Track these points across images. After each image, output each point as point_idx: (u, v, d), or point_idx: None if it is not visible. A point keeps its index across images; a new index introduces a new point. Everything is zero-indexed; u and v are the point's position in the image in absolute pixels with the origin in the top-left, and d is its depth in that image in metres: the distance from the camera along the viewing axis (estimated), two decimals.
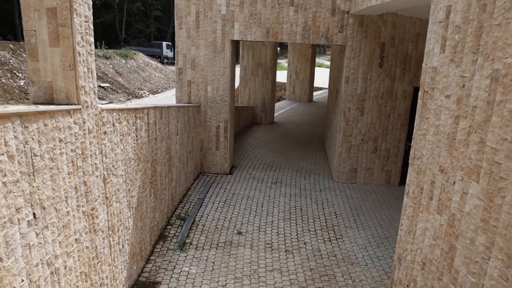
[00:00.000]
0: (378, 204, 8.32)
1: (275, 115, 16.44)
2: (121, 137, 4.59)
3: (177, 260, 5.93)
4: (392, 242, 6.77)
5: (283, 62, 38.86)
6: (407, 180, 4.49)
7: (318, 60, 43.47)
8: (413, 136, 4.37)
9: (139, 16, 45.81)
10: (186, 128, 8.18)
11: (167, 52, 36.44)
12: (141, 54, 29.52)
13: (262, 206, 7.92)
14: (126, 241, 4.91)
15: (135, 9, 44.44)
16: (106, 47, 25.54)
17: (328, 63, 45.56)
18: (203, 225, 7.03)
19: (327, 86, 26.80)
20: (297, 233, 6.91)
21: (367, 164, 9.30)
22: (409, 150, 9.25)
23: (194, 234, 6.73)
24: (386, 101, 8.94)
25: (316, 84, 26.03)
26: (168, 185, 6.98)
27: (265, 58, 14.61)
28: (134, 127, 5.04)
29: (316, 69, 29.46)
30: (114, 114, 4.34)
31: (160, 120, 6.27)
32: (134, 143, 5.04)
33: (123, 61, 25.24)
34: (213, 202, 7.98)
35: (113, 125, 4.33)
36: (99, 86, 19.05)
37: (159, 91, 24.58)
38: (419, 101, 4.18)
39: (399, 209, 8.12)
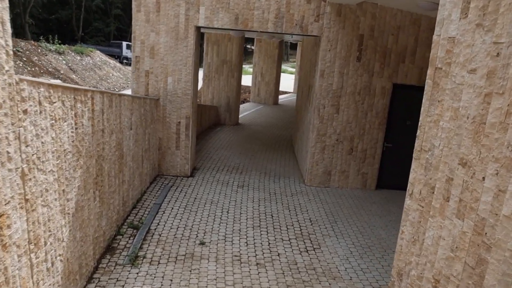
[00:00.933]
0: (356, 209, 7.58)
1: (239, 116, 15.57)
2: (53, 121, 3.54)
3: (127, 278, 4.87)
4: (376, 252, 6.01)
5: (246, 67, 38.07)
6: (410, 178, 3.71)
7: (282, 66, 43.13)
8: (419, 125, 3.61)
9: (98, 14, 43.81)
10: (142, 123, 7.14)
11: (127, 53, 34.80)
12: (98, 52, 27.87)
13: (228, 212, 6.98)
14: (58, 257, 3.83)
15: (94, 6, 42.45)
16: (60, 41, 23.81)
17: (292, 69, 45.32)
18: (160, 235, 6.01)
19: (291, 90, 26.26)
20: (269, 243, 6.01)
21: (342, 166, 8.57)
22: (386, 152, 8.62)
23: (149, 245, 5.70)
24: (363, 98, 8.26)
25: (281, 88, 25.42)
26: (118, 187, 5.91)
27: (230, 55, 13.73)
28: (73, 112, 3.99)
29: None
30: (42, 89, 3.30)
31: (109, 109, 5.22)
32: (72, 132, 3.99)
33: (78, 57, 23.61)
34: (172, 208, 6.96)
35: (40, 103, 3.28)
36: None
37: (117, 90, 23.12)
38: (428, 82, 3.41)
39: (378, 214, 7.41)
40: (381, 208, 7.77)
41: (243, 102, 20.22)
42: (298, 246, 6.01)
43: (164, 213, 6.75)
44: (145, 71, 8.13)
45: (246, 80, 26.08)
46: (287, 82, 31.29)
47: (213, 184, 8.30)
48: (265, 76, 19.81)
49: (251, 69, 25.69)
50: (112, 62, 28.27)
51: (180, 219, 6.55)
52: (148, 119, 7.61)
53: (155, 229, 6.18)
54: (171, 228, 6.22)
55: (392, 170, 8.82)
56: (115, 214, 5.86)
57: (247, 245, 5.90)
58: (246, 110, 17.79)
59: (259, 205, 7.38)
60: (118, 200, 5.94)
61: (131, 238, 5.85)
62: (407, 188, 3.64)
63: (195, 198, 7.46)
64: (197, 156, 10.18)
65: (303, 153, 9.41)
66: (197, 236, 6.04)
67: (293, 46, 53.43)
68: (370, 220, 7.16)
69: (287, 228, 6.55)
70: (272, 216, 6.98)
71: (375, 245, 6.23)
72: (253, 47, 20.69)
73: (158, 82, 8.17)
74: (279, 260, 5.56)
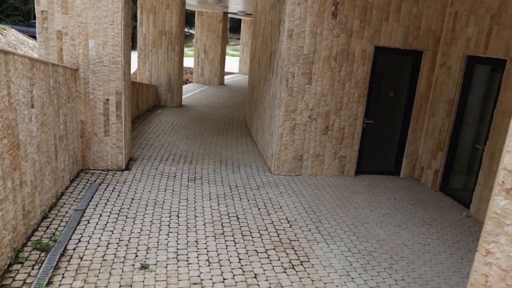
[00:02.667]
0: (339, 202, 6.08)
1: (182, 98, 13.59)
2: None
3: None
4: (381, 260, 4.52)
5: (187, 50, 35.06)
6: (506, 162, 2.13)
7: None
8: None
9: None
10: (52, 100, 5.09)
11: None
12: (14, 30, 24.24)
13: (178, 216, 5.18)
14: None
15: None
16: None
17: (234, 52, 43.42)
18: (81, 257, 4.10)
19: (237, 71, 24.51)
20: (240, 259, 4.32)
21: (316, 149, 7.02)
22: (366, 130, 7.19)
23: (63, 276, 3.79)
24: (340, 64, 6.72)
25: (225, 69, 23.54)
26: (12, 193, 3.92)
27: (170, 24, 11.67)
28: None
29: None
30: None
31: None
32: None
33: None
34: (100, 215, 5.03)
35: None
36: None
37: None
38: None
39: (368, 207, 5.96)
40: (368, 198, 6.33)
41: (185, 83, 18.16)
42: (279, 260, 4.37)
43: (88, 223, 4.82)
44: (57, 31, 6.00)
45: (187, 62, 23.89)
46: (231, 64, 29.40)
47: (155, 178, 6.42)
48: (209, 54, 17.84)
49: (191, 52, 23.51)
50: (32, 42, 24.73)
51: (112, 231, 4.66)
52: (63, 96, 5.56)
53: (74, 249, 4.26)
54: (98, 246, 4.32)
55: (372, 151, 7.42)
56: (9, 232, 3.87)
57: (209, 265, 4.16)
58: (189, 91, 15.78)
59: (218, 204, 5.64)
60: (12, 211, 3.94)
61: (37, 266, 3.90)
62: (499, 180, 2.02)
63: (133, 199, 5.57)
64: (134, 143, 8.19)
65: (266, 135, 7.76)
66: (136, 256, 4.20)
67: (233, 29, 51.42)
68: (360, 215, 5.69)
69: (261, 235, 4.88)
70: (238, 218, 5.27)
71: (376, 250, 4.75)
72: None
73: (75, 47, 6.08)
74: (258, 286, 3.89)
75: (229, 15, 19.65)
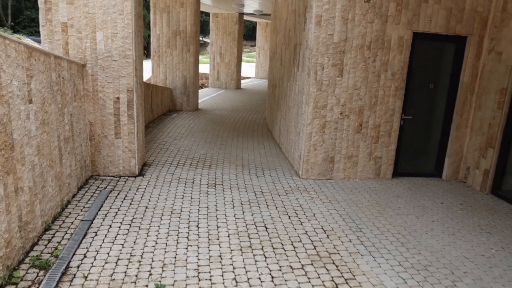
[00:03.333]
0: (380, 208, 5.34)
1: (199, 101, 13.01)
2: None
3: None
4: (440, 277, 3.77)
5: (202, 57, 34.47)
6: None
7: None
8: None
9: (30, 2, 39.26)
10: (55, 97, 4.51)
11: None
12: (29, 40, 24.28)
13: (198, 226, 4.52)
14: None
15: None
16: None
17: (248, 58, 42.98)
18: (86, 276, 3.47)
19: (253, 75, 23.93)
20: (272, 277, 3.62)
21: (348, 149, 6.31)
22: (404, 127, 6.45)
23: None
24: (375, 53, 6.01)
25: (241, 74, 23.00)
26: (5, 200, 3.31)
27: (184, 23, 11.13)
28: None
29: None
30: None
31: None
32: None
33: None
34: (110, 226, 4.41)
35: None
36: None
37: None
38: None
39: (413, 214, 5.21)
40: (411, 203, 5.58)
41: (201, 88, 17.63)
42: (319, 277, 3.66)
43: (96, 235, 4.19)
44: (62, 23, 5.45)
45: (202, 68, 23.42)
46: (246, 69, 28.86)
47: (172, 184, 5.79)
48: (225, 57, 17.29)
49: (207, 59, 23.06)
50: None
51: (122, 244, 4.02)
52: (68, 93, 4.98)
53: (78, 266, 3.62)
54: (105, 263, 3.69)
55: (411, 151, 6.67)
56: (0, 248, 3.26)
57: (236, 285, 3.48)
58: (205, 95, 15.21)
59: (243, 212, 4.96)
60: (5, 222, 3.34)
61: (35, 287, 3.28)
62: None
63: (146, 208, 4.94)
64: (148, 148, 7.59)
65: (292, 136, 7.07)
66: (150, 275, 3.54)
67: (247, 36, 51.05)
68: (406, 222, 4.94)
69: (294, 247, 4.18)
70: (267, 227, 4.58)
71: (433, 264, 4.00)
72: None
73: (82, 40, 5.52)
74: None
75: (245, 17, 19.10)
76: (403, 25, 5.97)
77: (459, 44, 6.26)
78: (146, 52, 37.43)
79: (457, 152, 6.64)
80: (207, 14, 48.09)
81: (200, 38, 46.29)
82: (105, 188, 5.52)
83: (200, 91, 15.72)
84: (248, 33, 52.31)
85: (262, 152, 7.78)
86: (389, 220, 4.98)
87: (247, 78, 23.04)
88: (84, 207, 4.85)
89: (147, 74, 16.98)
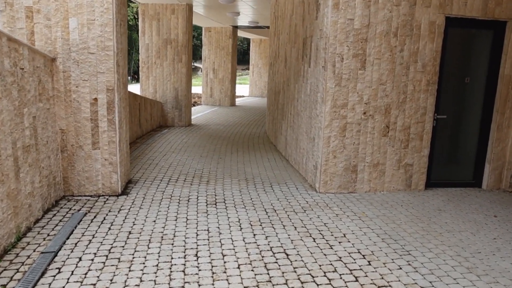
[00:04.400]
0: (423, 224, 4.28)
1: (192, 118, 11.99)
2: None
3: None
4: None
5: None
6: None
7: None
8: None
9: None
10: (8, 91, 3.47)
11: None
12: None
13: (197, 256, 3.42)
14: None
15: None
16: None
17: (239, 81, 42.31)
18: None
19: (247, 94, 23.07)
20: None
21: (374, 156, 5.29)
22: (437, 128, 5.48)
23: None
24: (402, 41, 5.08)
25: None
26: None
27: (176, 31, 10.22)
28: None
29: None
30: None
31: None
32: None
33: None
34: (79, 260, 3.29)
35: None
36: None
37: None
38: None
39: (467, 229, 4.15)
40: (458, 218, 4.53)
41: (194, 105, 16.66)
42: None
43: (59, 272, 3.08)
44: (26, 8, 4.46)
45: (194, 89, 22.50)
46: (239, 90, 27.99)
47: (162, 204, 4.69)
48: (218, 72, 16.39)
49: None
50: None
51: (94, 285, 2.91)
52: (30, 89, 3.94)
53: None
54: None
55: (445, 157, 5.67)
56: None
57: None
58: (199, 112, 14.20)
59: (254, 235, 3.87)
60: None
61: None
62: None
63: (130, 233, 3.83)
64: (135, 164, 6.51)
65: (303, 144, 6.05)
66: None
67: (238, 61, 50.60)
68: (462, 241, 3.88)
69: (329, 279, 3.09)
70: (287, 254, 3.49)
71: None
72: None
73: (52, 29, 4.52)
74: None
75: (239, 32, 18.34)
76: (435, 8, 5.07)
77: (498, 30, 5.36)
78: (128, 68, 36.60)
79: (499, 157, 5.65)
80: (198, 38, 47.58)
81: (193, 64, 45.81)
82: (78, 210, 4.41)
83: (192, 108, 14.73)
84: (239, 57, 51.93)
85: (267, 165, 6.73)
86: (439, 239, 3.92)
87: (241, 96, 22.15)
88: (48, 235, 3.74)
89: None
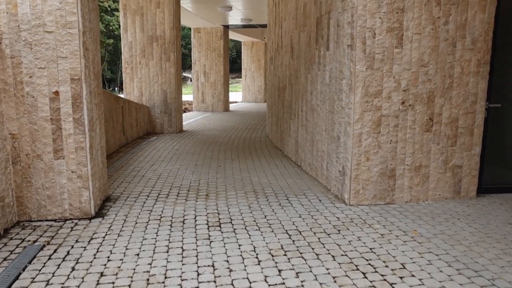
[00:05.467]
0: (500, 244, 3.18)
1: (183, 124, 10.85)
2: None
3: None
4: None
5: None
6: None
7: None
8: None
9: None
10: None
11: None
12: None
13: None
14: None
15: None
16: None
17: (231, 89, 41.27)
18: None
19: (240, 99, 22.00)
20: None
21: (415, 156, 4.20)
22: (490, 119, 4.42)
23: None
24: (447, 10, 4.03)
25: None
26: None
27: (162, 27, 9.12)
28: None
29: None
30: None
31: None
32: None
33: None
34: None
35: None
36: None
37: None
38: None
39: None
40: None
41: (184, 112, 15.52)
42: None
43: None
44: None
45: (185, 97, 21.32)
46: (231, 96, 26.87)
47: (149, 228, 3.55)
48: (210, 76, 15.29)
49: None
50: None
51: None
52: None
53: None
54: None
55: (499, 155, 4.61)
56: None
57: None
58: (190, 118, 13.06)
59: (279, 271, 2.74)
60: None
61: None
62: None
63: (101, 275, 2.69)
64: (116, 176, 5.35)
65: (322, 145, 4.95)
66: None
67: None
68: None
69: None
70: None
71: None
72: None
73: None
74: None
75: (230, 35, 17.31)
76: None
77: None
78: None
79: None
80: (186, 48, 46.42)
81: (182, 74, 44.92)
82: (34, 242, 3.25)
83: (183, 115, 13.59)
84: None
85: (276, 172, 5.61)
86: None
87: (234, 102, 21.06)
88: None
89: None
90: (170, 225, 3.60)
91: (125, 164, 6.09)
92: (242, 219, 3.73)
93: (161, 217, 3.80)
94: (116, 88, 41.93)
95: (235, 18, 13.54)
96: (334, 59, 4.47)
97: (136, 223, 3.66)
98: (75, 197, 3.74)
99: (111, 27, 38.07)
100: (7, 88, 3.49)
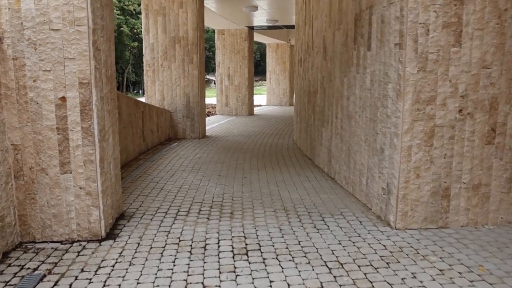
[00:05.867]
0: None
1: (206, 129, 10.43)
2: None
3: None
4: None
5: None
6: None
7: None
8: None
9: None
10: None
11: None
12: None
13: None
14: None
15: None
16: None
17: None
18: None
19: (265, 103, 21.54)
20: None
21: (473, 173, 3.60)
22: None
23: None
24: None
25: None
26: None
27: (185, 28, 8.73)
28: None
29: None
30: None
31: None
32: None
33: None
34: None
35: None
36: None
37: None
38: None
39: None
40: None
41: (208, 116, 15.14)
42: None
43: None
44: None
45: (208, 100, 20.93)
46: (255, 99, 26.38)
47: (166, 255, 3.08)
48: (234, 78, 14.88)
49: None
50: None
51: None
52: None
53: None
54: None
55: None
56: None
57: None
58: (214, 123, 12.66)
59: None
60: None
61: None
62: None
63: None
64: (133, 188, 4.92)
65: (362, 157, 4.39)
66: None
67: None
68: None
69: None
70: None
71: None
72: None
73: None
74: None
75: (255, 37, 16.86)
76: None
77: None
78: None
79: None
80: (210, 50, 46.24)
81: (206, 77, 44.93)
82: (35, 269, 2.83)
83: (206, 119, 13.20)
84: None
85: (307, 186, 5.08)
86: None
87: (258, 105, 20.60)
88: None
89: None
90: (190, 251, 3.12)
91: (144, 174, 5.67)
92: (273, 245, 3.22)
93: (179, 241, 3.33)
94: (140, 91, 42.16)
95: (260, 19, 13.07)
96: (377, 60, 3.92)
97: (151, 247, 3.20)
98: (83, 216, 3.31)
99: (135, 30, 38.30)
100: (9, 94, 3.09)
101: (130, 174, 5.65)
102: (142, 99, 9.37)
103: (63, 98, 3.15)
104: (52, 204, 3.27)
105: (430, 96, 3.43)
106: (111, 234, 3.48)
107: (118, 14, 37.80)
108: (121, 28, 38.09)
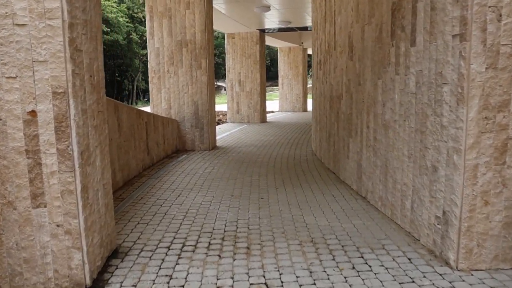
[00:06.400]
0: None
1: (217, 138, 9.74)
2: None
3: None
4: None
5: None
6: None
7: None
8: None
9: None
10: None
11: None
12: None
13: None
14: None
15: None
16: None
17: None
18: None
19: (277, 109, 20.82)
20: None
21: None
22: None
23: None
24: None
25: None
26: None
27: (192, 30, 8.07)
28: None
29: None
30: None
31: None
32: None
33: None
34: None
35: None
36: None
37: None
38: None
39: None
40: None
41: (218, 124, 14.47)
42: None
43: None
44: None
45: (218, 107, 20.28)
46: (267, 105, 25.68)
47: None
48: (245, 84, 14.20)
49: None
50: None
51: None
52: None
53: None
54: None
55: None
56: None
57: None
58: (224, 131, 11.97)
59: None
60: None
61: None
62: None
63: None
64: (132, 214, 4.23)
65: (404, 175, 3.63)
66: None
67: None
68: None
69: None
70: None
71: None
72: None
73: None
74: None
75: (266, 40, 16.18)
76: None
77: None
78: None
79: None
80: (220, 56, 45.66)
81: (216, 83, 44.44)
82: None
83: (216, 127, 12.52)
84: None
85: (336, 208, 4.33)
86: None
87: (271, 112, 19.88)
88: None
89: None
90: None
91: (146, 195, 4.97)
92: None
93: None
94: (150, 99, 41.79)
95: (272, 20, 12.40)
96: (425, 57, 3.17)
97: None
98: (62, 260, 2.61)
99: (144, 37, 37.99)
100: None
101: (131, 195, 4.97)
102: (149, 108, 8.74)
103: (33, 113, 2.47)
104: (22, 246, 2.58)
105: (503, 101, 2.68)
106: (99, 280, 2.78)
107: (127, 22, 37.58)
108: (131, 36, 37.80)
